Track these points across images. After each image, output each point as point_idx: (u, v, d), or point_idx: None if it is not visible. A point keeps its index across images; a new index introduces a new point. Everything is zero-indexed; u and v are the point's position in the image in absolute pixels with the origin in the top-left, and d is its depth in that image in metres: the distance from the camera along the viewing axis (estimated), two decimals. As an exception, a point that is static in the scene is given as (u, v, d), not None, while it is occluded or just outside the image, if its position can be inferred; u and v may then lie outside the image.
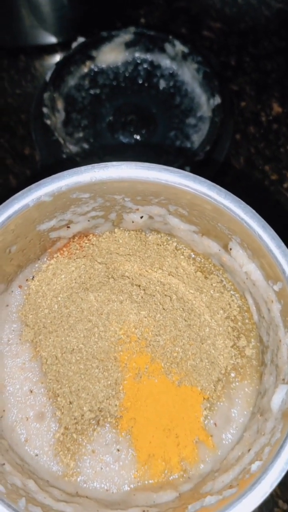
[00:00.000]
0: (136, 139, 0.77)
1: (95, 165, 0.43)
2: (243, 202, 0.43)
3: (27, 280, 0.52)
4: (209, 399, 0.49)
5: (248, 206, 0.43)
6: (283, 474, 0.38)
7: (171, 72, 0.80)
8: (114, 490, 0.47)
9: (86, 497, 0.45)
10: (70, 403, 0.48)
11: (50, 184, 0.43)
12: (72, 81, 0.78)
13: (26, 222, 0.45)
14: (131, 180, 0.44)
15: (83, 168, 0.43)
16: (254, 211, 0.43)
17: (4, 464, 0.42)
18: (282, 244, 0.42)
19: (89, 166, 0.43)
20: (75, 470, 0.47)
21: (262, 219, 0.43)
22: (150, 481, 0.47)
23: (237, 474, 0.41)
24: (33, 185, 0.43)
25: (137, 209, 0.49)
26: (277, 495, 0.60)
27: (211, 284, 0.52)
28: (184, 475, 0.47)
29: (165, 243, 0.54)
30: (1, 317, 0.50)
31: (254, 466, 0.39)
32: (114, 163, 0.44)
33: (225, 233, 0.46)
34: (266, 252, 0.43)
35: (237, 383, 0.50)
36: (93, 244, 0.53)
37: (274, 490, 0.41)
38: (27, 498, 0.39)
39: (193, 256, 0.53)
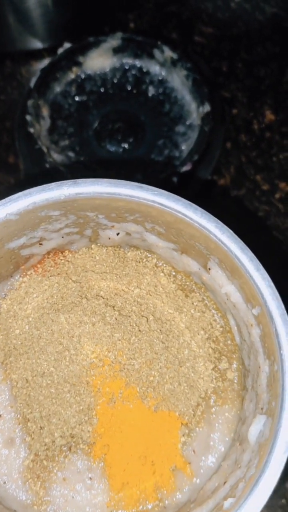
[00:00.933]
0: (123, 148, 0.75)
1: (64, 182, 0.41)
2: (220, 222, 0.40)
3: (-4, 298, 0.50)
4: (188, 425, 0.47)
5: (226, 226, 0.40)
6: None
7: (160, 78, 0.78)
8: (85, 520, 0.44)
9: (55, 529, 0.43)
10: (41, 428, 0.46)
11: (16, 202, 0.41)
12: (58, 88, 0.76)
13: (-8, 240, 0.43)
14: (102, 198, 0.42)
15: (52, 184, 0.41)
16: (231, 231, 0.40)
17: None
18: (261, 267, 0.40)
19: (59, 183, 0.41)
20: (44, 499, 0.45)
21: (240, 240, 0.40)
22: (124, 511, 0.45)
23: (210, 509, 0.39)
24: (-3, 203, 0.41)
25: (113, 226, 0.47)
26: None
27: (192, 303, 0.50)
28: (160, 504, 0.45)
29: (144, 260, 0.52)
30: None
31: (227, 503, 0.37)
32: (84, 180, 0.41)
33: (204, 252, 0.44)
34: (244, 274, 0.40)
35: (217, 408, 0.48)
36: (68, 261, 0.51)
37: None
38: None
39: (173, 273, 0.51)
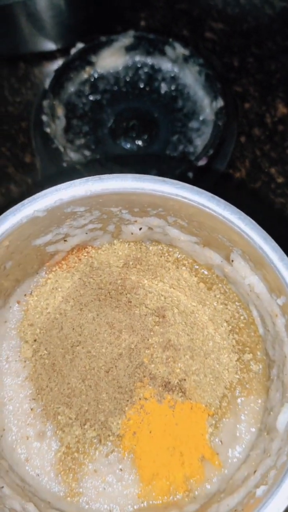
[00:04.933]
0: (138, 145, 0.75)
1: (90, 178, 0.42)
2: (243, 213, 0.41)
3: (25, 295, 0.50)
4: (214, 416, 0.48)
5: (249, 217, 0.41)
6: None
7: (172, 75, 0.79)
8: (117, 511, 0.45)
9: (88, 520, 0.44)
10: (72, 421, 0.47)
11: (43, 198, 0.42)
12: (72, 88, 0.77)
13: (20, 237, 0.43)
14: (126, 193, 0.42)
15: (77, 181, 0.42)
16: (254, 222, 0.41)
17: (3, 487, 0.41)
18: (285, 256, 0.40)
19: (84, 179, 0.42)
20: (77, 491, 0.46)
21: (264, 231, 0.41)
22: (155, 502, 0.45)
23: (242, 498, 0.40)
24: (25, 200, 0.42)
25: (136, 221, 0.48)
26: None
27: (215, 296, 0.50)
28: (190, 494, 0.46)
29: (166, 254, 0.52)
30: (-1, 334, 0.49)
31: (259, 491, 0.38)
32: (109, 175, 0.42)
33: (226, 244, 0.45)
34: (268, 264, 0.41)
35: (243, 398, 0.48)
36: (91, 257, 0.52)
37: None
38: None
39: (195, 267, 0.52)
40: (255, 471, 0.41)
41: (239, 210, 0.41)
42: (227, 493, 0.42)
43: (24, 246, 0.45)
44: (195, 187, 0.42)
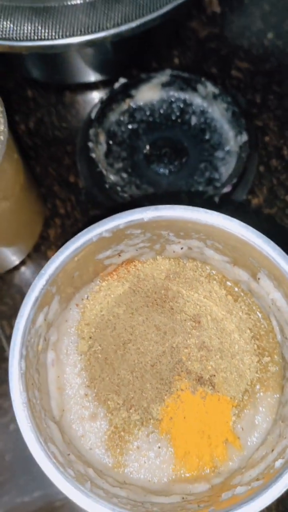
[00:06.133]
0: (170, 170, 0.85)
1: (148, 207, 0.52)
2: (272, 242, 0.51)
3: (82, 299, 0.60)
4: (237, 407, 0.57)
5: (276, 246, 0.51)
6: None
7: (202, 109, 0.89)
8: (155, 480, 0.55)
9: (133, 485, 0.53)
10: (119, 406, 0.56)
11: (111, 222, 0.51)
12: (113, 117, 0.87)
13: (88, 253, 0.53)
14: (176, 220, 0.52)
15: (137, 209, 0.52)
16: (280, 249, 0.51)
17: (69, 454, 0.51)
18: (304, 278, 0.50)
19: (143, 208, 0.52)
20: (123, 463, 0.55)
21: (286, 255, 0.51)
22: (186, 475, 0.55)
23: (262, 470, 0.50)
24: (95, 224, 0.52)
25: (179, 242, 0.58)
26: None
27: (240, 307, 0.60)
28: (215, 470, 0.55)
29: (200, 270, 0.62)
30: (61, 331, 0.58)
31: (278, 463, 0.47)
32: (164, 206, 0.52)
33: (255, 265, 0.55)
34: (290, 283, 0.51)
35: (261, 394, 0.58)
36: (138, 269, 0.62)
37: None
38: (91, 482, 0.48)
39: (224, 282, 0.61)
40: (272, 450, 0.51)
41: (268, 239, 0.51)
42: (248, 468, 0.52)
43: (89, 260, 0.55)
44: (233, 219, 0.51)
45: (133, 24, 0.74)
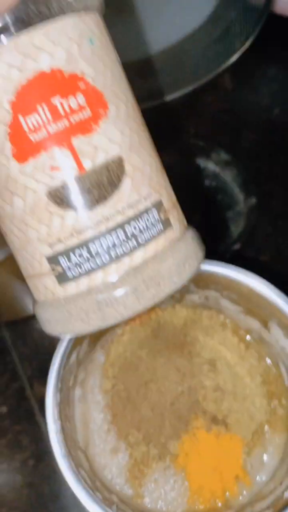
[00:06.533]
0: (185, 227, 0.93)
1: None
2: (284, 296, 0.58)
3: (107, 342, 0.66)
4: (247, 446, 0.62)
5: (287, 297, 0.58)
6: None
7: (214, 174, 0.97)
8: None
9: (151, 514, 0.58)
10: (139, 441, 0.61)
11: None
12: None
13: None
14: (200, 272, 0.59)
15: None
16: (289, 302, 0.58)
17: (95, 481, 0.56)
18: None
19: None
20: (141, 494, 0.60)
21: (297, 310, 0.57)
22: (200, 507, 0.59)
23: (272, 501, 0.54)
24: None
25: (198, 292, 0.64)
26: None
27: (251, 354, 0.66)
28: (227, 504, 0.60)
29: (215, 318, 0.68)
30: (88, 370, 0.64)
31: (286, 494, 0.52)
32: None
33: (267, 315, 0.61)
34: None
35: (269, 434, 0.63)
36: (158, 316, 0.68)
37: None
38: (116, 506, 0.53)
39: (237, 330, 0.68)
40: (281, 483, 0.56)
41: (280, 292, 0.58)
42: (258, 500, 0.57)
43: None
44: (250, 273, 0.58)
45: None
